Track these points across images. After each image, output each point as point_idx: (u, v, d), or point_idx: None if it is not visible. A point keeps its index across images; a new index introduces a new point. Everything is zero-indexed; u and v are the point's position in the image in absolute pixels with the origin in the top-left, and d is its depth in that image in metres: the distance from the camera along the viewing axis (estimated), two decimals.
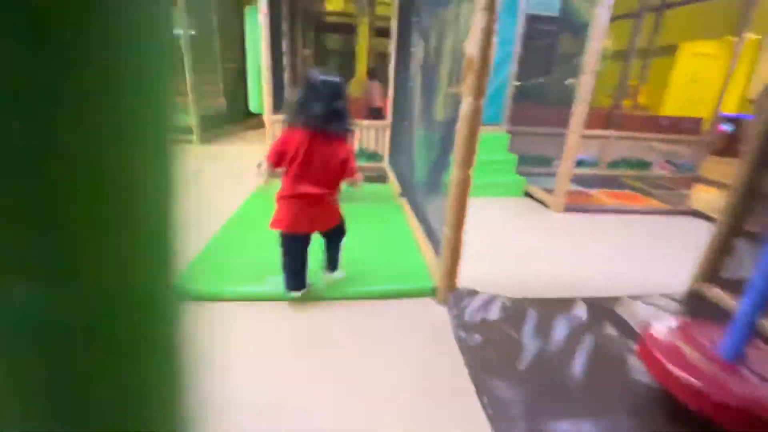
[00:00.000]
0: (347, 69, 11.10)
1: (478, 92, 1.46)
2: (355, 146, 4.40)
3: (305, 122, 1.40)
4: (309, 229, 1.55)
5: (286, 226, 1.49)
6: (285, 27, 5.69)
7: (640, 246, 2.72)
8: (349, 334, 1.56)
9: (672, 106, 9.20)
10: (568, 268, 2.32)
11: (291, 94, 1.57)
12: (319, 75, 1.43)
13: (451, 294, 1.75)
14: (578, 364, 1.42)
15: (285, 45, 5.77)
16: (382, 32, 9.03)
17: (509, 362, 1.42)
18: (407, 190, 2.93)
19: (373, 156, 4.45)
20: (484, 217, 3.00)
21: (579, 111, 2.99)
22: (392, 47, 3.90)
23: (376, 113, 6.19)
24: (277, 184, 1.55)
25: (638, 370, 1.39)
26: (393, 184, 3.41)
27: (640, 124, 4.81)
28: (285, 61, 5.89)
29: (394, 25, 3.86)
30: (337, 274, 1.82)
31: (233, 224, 2.48)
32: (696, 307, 1.93)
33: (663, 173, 4.88)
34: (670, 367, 1.14)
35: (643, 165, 4.86)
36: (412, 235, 2.45)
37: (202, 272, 1.89)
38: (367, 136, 4.38)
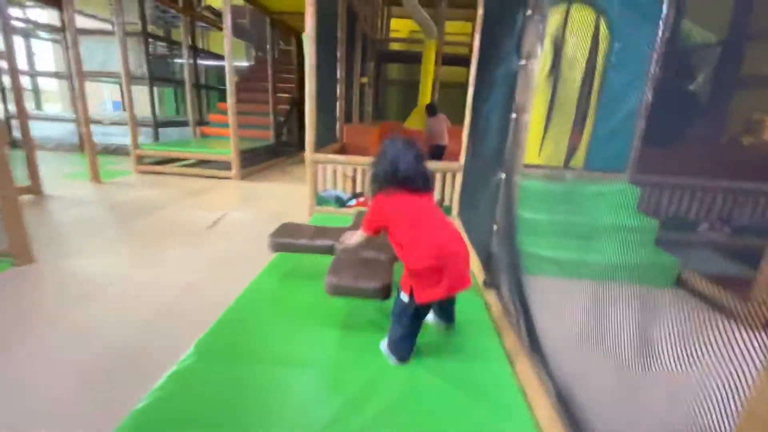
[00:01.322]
0: (408, 100, 10.40)
1: None
2: None
3: (400, 183, 1.33)
4: (451, 290, 1.30)
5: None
6: (341, 53, 5.02)
7: None
8: None
9: None
10: None
11: (372, 165, 1.38)
12: (399, 141, 1.38)
13: None
14: None
15: (339, 72, 5.08)
16: (449, 60, 8.23)
17: None
18: (506, 275, 1.81)
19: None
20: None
21: None
22: (473, 66, 2.90)
23: (438, 152, 5.18)
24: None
25: None
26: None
27: None
28: (338, 90, 5.20)
29: (476, 40, 2.88)
30: (452, 326, 1.62)
31: (236, 316, 1.53)
32: None
33: None
34: None
35: None
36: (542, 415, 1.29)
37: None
38: None
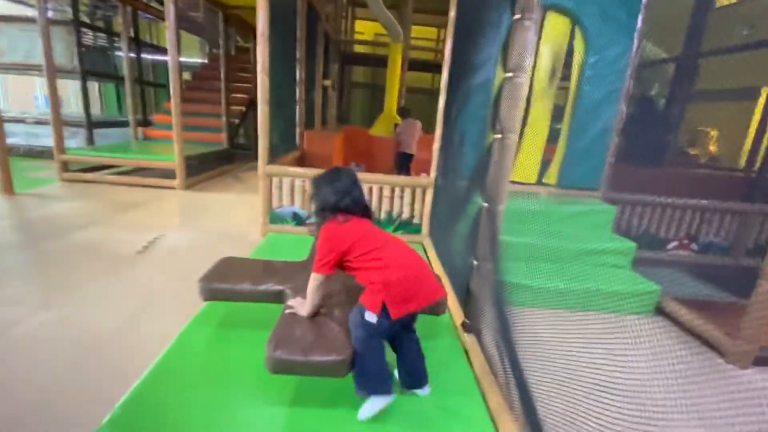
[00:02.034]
0: (374, 104, 10.11)
1: None
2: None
3: (349, 207, 1.28)
4: (424, 302, 1.20)
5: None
6: (300, 53, 4.64)
7: None
8: None
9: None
10: None
11: (317, 190, 1.25)
12: (338, 168, 1.37)
13: None
14: None
15: (299, 73, 4.69)
16: (416, 65, 8.05)
17: None
18: (490, 322, 1.56)
19: (406, 225, 3.13)
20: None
21: None
22: (444, 73, 2.66)
23: (404, 160, 4.93)
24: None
25: None
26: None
27: None
28: (298, 93, 4.81)
29: (448, 45, 2.64)
30: (426, 390, 1.35)
31: (149, 392, 1.15)
32: None
33: None
34: None
35: None
36: None
37: None
38: (399, 195, 3.07)
